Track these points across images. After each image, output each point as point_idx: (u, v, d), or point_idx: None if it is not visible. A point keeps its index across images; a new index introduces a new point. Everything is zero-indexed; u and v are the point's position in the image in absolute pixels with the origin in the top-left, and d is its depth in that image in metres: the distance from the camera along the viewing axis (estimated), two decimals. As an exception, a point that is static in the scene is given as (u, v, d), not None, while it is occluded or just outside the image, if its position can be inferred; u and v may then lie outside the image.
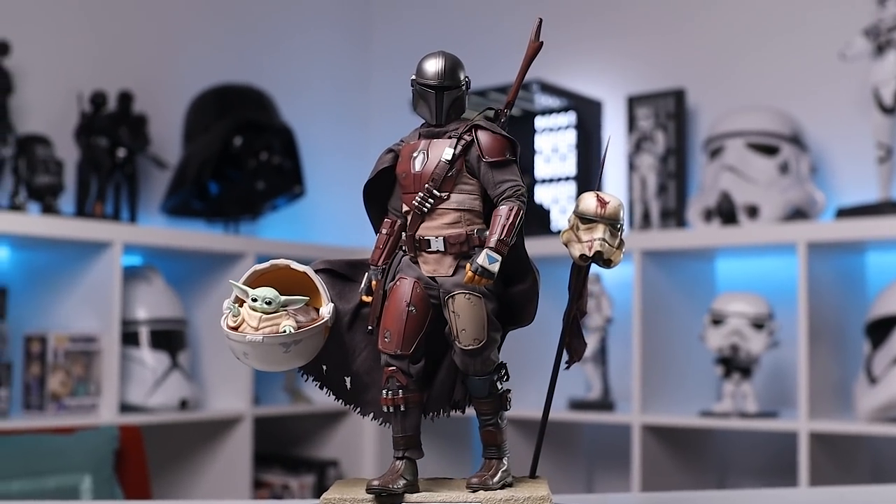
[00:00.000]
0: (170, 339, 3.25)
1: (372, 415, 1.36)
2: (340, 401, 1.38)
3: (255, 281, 1.32)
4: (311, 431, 3.89)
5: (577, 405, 3.40)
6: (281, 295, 1.28)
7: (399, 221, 1.32)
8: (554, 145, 3.64)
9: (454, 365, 1.29)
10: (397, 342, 1.28)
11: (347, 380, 1.37)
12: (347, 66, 4.32)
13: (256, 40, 4.04)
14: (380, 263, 1.33)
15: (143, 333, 3.21)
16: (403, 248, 1.32)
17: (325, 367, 1.37)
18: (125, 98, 3.41)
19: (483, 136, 1.27)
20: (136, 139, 3.40)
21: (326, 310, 1.32)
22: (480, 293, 1.25)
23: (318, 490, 3.64)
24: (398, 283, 1.30)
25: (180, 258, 3.44)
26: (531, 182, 3.61)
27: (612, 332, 3.44)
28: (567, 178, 3.62)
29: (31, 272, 3.17)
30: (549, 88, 3.53)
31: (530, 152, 3.63)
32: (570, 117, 3.61)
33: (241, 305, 1.29)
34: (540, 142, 3.65)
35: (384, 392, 1.29)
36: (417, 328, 1.28)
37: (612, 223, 1.27)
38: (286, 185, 3.70)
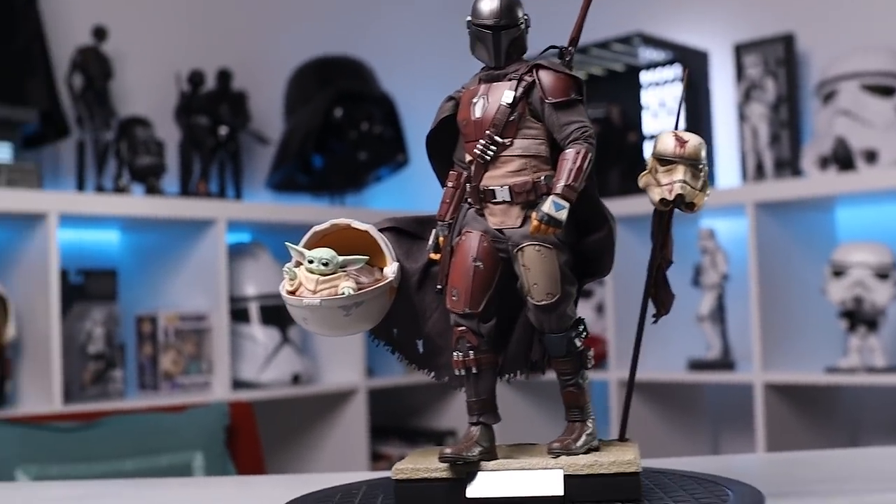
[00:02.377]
0: (279, 314, 3.23)
1: (447, 379, 1.30)
2: (413, 366, 1.33)
3: (316, 243, 1.26)
4: (427, 401, 3.86)
5: (697, 365, 3.29)
6: (340, 256, 1.23)
7: (464, 173, 1.25)
8: (661, 100, 3.53)
9: (529, 323, 1.23)
10: (465, 300, 1.21)
11: (419, 343, 1.31)
12: (447, 31, 4.24)
13: (354, 10, 4.00)
14: (447, 218, 1.27)
15: (253, 310, 3.21)
16: (469, 200, 1.25)
17: (395, 331, 1.31)
18: (224, 75, 3.41)
19: (545, 76, 1.19)
20: (237, 116, 3.39)
21: (390, 269, 1.26)
22: (551, 244, 1.18)
23: (436, 460, 3.61)
24: (464, 237, 1.23)
25: (287, 233, 3.42)
26: (639, 139, 3.51)
27: (729, 289, 3.32)
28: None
29: (140, 253, 3.19)
30: (651, 41, 3.42)
31: (637, 108, 3.52)
32: (675, 70, 3.49)
33: (299, 268, 1.24)
34: (646, 97, 3.54)
35: (455, 354, 1.22)
36: (486, 284, 1.21)
37: (693, 163, 1.18)
38: (389, 154, 3.67)
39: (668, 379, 3.36)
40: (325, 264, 1.22)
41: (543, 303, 1.18)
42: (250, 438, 2.82)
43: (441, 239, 1.28)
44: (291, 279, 1.24)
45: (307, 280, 1.22)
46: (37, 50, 3.03)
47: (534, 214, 1.15)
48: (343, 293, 1.21)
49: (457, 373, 1.23)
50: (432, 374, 1.32)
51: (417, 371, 1.34)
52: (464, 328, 1.22)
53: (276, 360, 3.19)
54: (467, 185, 1.25)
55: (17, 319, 2.70)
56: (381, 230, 1.30)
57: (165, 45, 3.46)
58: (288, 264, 1.26)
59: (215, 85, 3.40)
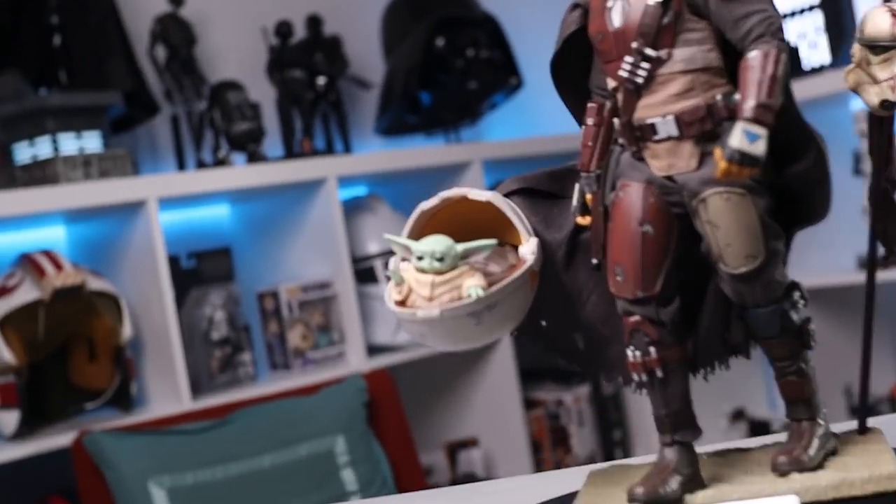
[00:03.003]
0: (408, 268, 3.01)
1: (622, 379, 1.04)
2: (575, 365, 1.08)
3: (423, 227, 1.02)
4: (577, 338, 3.60)
5: (871, 264, 2.96)
6: (457, 243, 0.97)
7: (608, 104, 0.98)
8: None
9: (723, 296, 0.96)
10: (635, 280, 0.95)
11: (577, 336, 1.06)
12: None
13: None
14: (592, 168, 1.01)
15: (378, 268, 2.98)
16: (620, 141, 0.98)
17: (544, 324, 1.06)
18: (314, 22, 3.16)
19: None
20: (334, 63, 3.14)
21: (528, 248, 1.01)
22: (745, 188, 0.90)
23: (596, 402, 3.37)
24: (622, 193, 0.97)
25: (403, 180, 3.19)
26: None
27: None
28: (811, 8, 3.14)
29: (251, 226, 2.99)
30: None
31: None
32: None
33: (406, 268, 1.00)
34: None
35: (630, 353, 0.96)
36: (660, 255, 0.95)
37: (921, 46, 0.88)
38: (501, 79, 3.38)
39: (838, 282, 3.05)
40: (440, 259, 0.97)
41: (743, 270, 0.91)
42: (393, 411, 2.61)
43: (589, 196, 1.01)
44: (398, 284, 0.99)
45: (419, 283, 0.98)
46: (112, 27, 2.82)
47: (717, 152, 0.87)
48: (469, 295, 0.95)
49: (635, 378, 0.97)
50: (601, 374, 1.06)
51: (582, 372, 1.09)
52: (638, 318, 0.95)
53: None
54: (614, 119, 0.97)
55: (131, 317, 2.52)
56: (507, 195, 1.04)
57: (246, 0, 3.22)
58: (391, 265, 1.01)
59: (305, 34, 3.15)
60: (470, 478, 3.04)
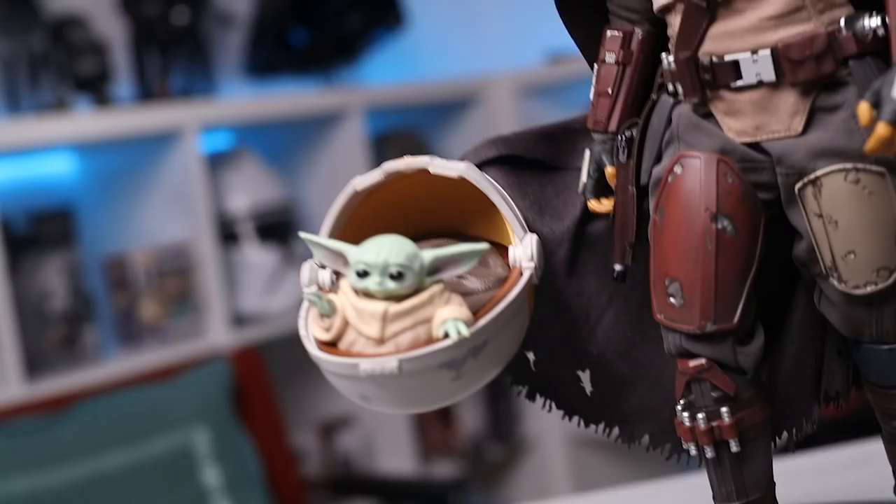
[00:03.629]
0: (279, 229, 2.68)
1: (650, 443, 0.80)
2: (578, 418, 0.83)
3: (356, 216, 0.75)
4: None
5: None
6: (417, 245, 0.69)
7: (638, 32, 0.73)
8: None
9: (818, 323, 0.71)
10: (704, 305, 0.68)
11: (584, 377, 0.80)
12: None
13: None
14: (613, 128, 0.74)
15: (245, 229, 2.64)
16: (672, 86, 0.70)
17: (532, 357, 0.80)
18: (170, -53, 2.77)
19: None
20: (194, -5, 2.77)
21: (524, 252, 0.73)
22: (885, 167, 0.63)
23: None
24: (680, 169, 0.69)
25: (274, 130, 2.85)
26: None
27: None
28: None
29: (98, 182, 2.61)
30: None
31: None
32: None
33: (335, 284, 0.73)
34: None
35: (685, 415, 0.70)
36: (743, 267, 0.68)
37: None
38: (381, 14, 3.05)
39: None
40: (398, 276, 0.67)
41: (868, 290, 0.64)
42: (263, 396, 2.30)
43: (609, 170, 0.75)
44: (324, 315, 0.69)
45: (362, 316, 0.68)
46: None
47: (864, 108, 0.58)
48: (446, 335, 0.66)
49: (691, 450, 0.71)
50: (617, 432, 0.81)
51: (588, 426, 0.82)
52: (702, 362, 0.69)
53: (281, 285, 2.64)
54: (654, 56, 0.71)
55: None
56: (482, 165, 0.75)
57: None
58: (306, 277, 0.74)
59: (161, -40, 2.76)
60: (346, 463, 2.75)
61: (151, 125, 2.43)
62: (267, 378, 2.34)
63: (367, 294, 0.69)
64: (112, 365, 2.34)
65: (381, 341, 0.68)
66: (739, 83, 0.67)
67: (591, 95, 0.78)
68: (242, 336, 2.50)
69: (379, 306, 0.68)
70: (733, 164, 0.68)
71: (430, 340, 0.67)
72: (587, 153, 0.77)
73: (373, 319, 0.68)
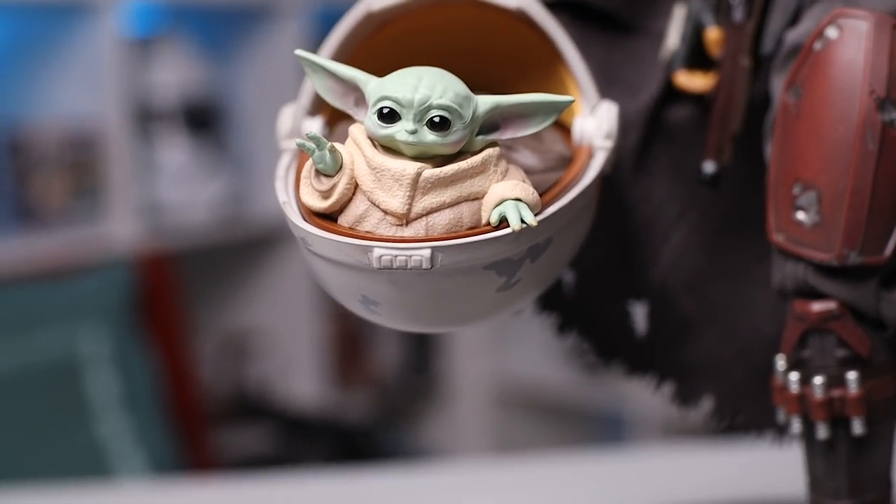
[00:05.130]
0: (200, 120, 2.40)
1: (714, 410, 0.63)
2: (623, 363, 0.65)
3: (365, 53, 0.55)
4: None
5: None
6: (467, 88, 0.48)
7: None
8: None
9: None
10: (849, 226, 0.49)
11: (637, 311, 0.62)
12: None
13: None
14: None
15: (163, 120, 2.36)
16: None
17: (572, 278, 0.62)
18: None
19: None
20: None
21: (599, 124, 0.54)
22: None
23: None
24: (839, 29, 0.49)
25: (207, 12, 2.56)
26: None
27: None
28: None
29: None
30: None
31: None
32: None
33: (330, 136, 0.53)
34: None
35: (793, 377, 0.53)
36: None
37: None
38: None
39: None
40: (441, 123, 0.46)
41: None
42: (168, 305, 2.04)
43: (713, 32, 0.56)
44: (324, 174, 0.47)
45: (382, 179, 0.46)
46: None
47: None
48: (506, 220, 0.45)
49: (795, 426, 0.54)
50: (671, 389, 0.63)
51: (634, 376, 0.63)
52: (833, 307, 0.51)
53: (197, 182, 2.37)
54: None
55: None
56: (547, 3, 0.55)
57: None
58: (289, 117, 0.56)
59: None
60: (251, 385, 2.51)
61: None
62: (174, 286, 2.08)
63: (392, 148, 0.46)
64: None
65: (405, 219, 0.46)
66: None
67: None
68: (154, 236, 2.23)
69: (409, 167, 0.45)
70: None
71: (477, 227, 0.45)
72: (678, 10, 0.56)
73: (398, 185, 0.46)
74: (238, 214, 2.40)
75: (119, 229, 2.17)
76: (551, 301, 0.64)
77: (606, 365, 0.64)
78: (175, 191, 2.35)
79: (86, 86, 2.23)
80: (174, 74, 2.38)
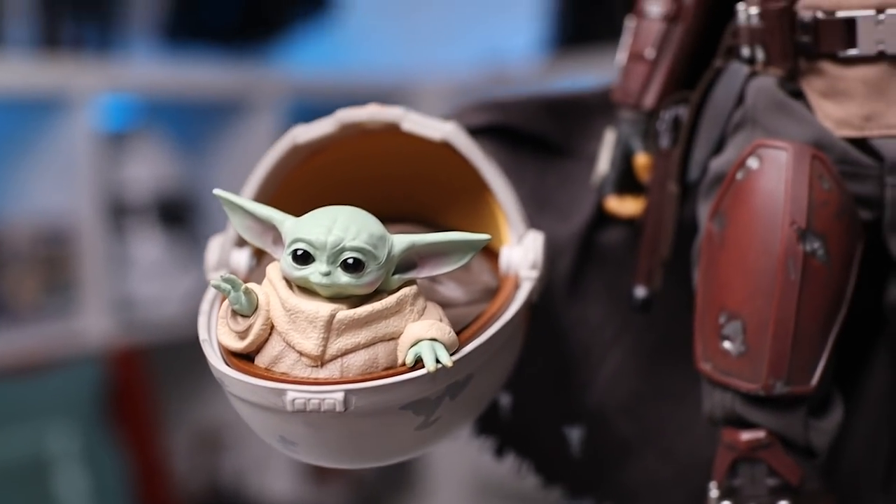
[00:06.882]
0: (174, 215, 2.41)
1: None
2: (559, 487, 0.64)
3: (294, 183, 0.57)
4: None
5: None
6: (382, 228, 0.49)
7: None
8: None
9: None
10: (774, 357, 0.49)
11: (572, 435, 0.63)
12: None
13: None
14: (650, 104, 0.58)
15: (137, 215, 2.36)
16: (751, 49, 0.52)
17: (508, 402, 0.63)
18: None
19: None
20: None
21: (525, 255, 0.54)
22: None
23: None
24: (755, 162, 0.50)
25: (181, 107, 2.57)
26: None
27: None
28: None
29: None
30: None
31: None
32: None
33: (254, 271, 0.56)
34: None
35: None
36: (832, 311, 0.49)
37: None
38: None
39: None
40: (355, 265, 0.46)
41: None
42: (140, 402, 2.02)
43: (640, 159, 0.58)
44: (240, 314, 0.49)
45: (296, 321, 0.46)
46: None
47: None
48: (421, 361, 0.45)
49: None
50: None
51: (573, 500, 0.63)
52: (761, 436, 0.50)
53: (171, 278, 2.37)
54: (743, 7, 0.52)
55: None
56: (474, 131, 0.57)
57: None
58: (213, 259, 0.61)
59: None
60: (224, 481, 2.48)
61: (36, 83, 2.14)
62: (146, 381, 2.06)
63: (307, 289, 0.46)
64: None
65: (320, 361, 0.46)
66: (851, 52, 0.47)
67: (620, 59, 0.56)
68: (126, 331, 2.22)
69: (323, 309, 0.46)
70: (831, 165, 0.48)
71: (393, 367, 0.45)
72: (608, 135, 0.56)
73: (311, 327, 0.46)
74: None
75: (91, 324, 2.16)
76: (488, 424, 0.64)
77: (545, 487, 0.64)
78: (148, 285, 2.34)
79: (59, 180, 2.23)
80: (148, 169, 2.39)
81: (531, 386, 0.62)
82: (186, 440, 2.50)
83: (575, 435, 0.63)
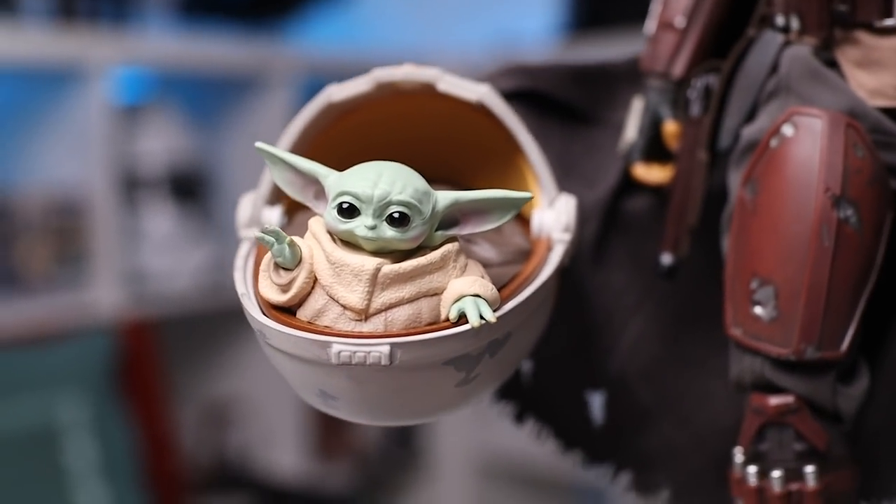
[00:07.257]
0: (186, 188, 2.41)
1: (670, 499, 0.61)
2: (575, 453, 0.65)
3: (325, 142, 0.56)
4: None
5: None
6: (426, 184, 0.48)
7: None
8: None
9: None
10: (805, 322, 0.49)
11: (593, 401, 0.62)
12: None
13: None
14: (679, 72, 0.57)
15: (149, 188, 2.36)
16: (786, 17, 0.50)
17: (529, 368, 0.62)
18: None
19: None
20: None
21: (557, 218, 0.54)
22: None
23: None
24: (789, 130, 0.49)
25: (196, 81, 2.57)
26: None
27: None
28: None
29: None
30: None
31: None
32: None
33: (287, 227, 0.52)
34: None
35: (751, 470, 0.52)
36: (863, 277, 0.49)
37: None
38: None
39: None
40: (401, 219, 0.46)
41: None
42: (150, 374, 2.02)
43: (670, 126, 0.57)
44: (283, 267, 0.48)
45: (341, 274, 0.46)
46: None
47: None
48: (464, 317, 0.45)
49: None
50: (627, 478, 0.62)
51: (591, 466, 0.63)
52: (790, 401, 0.51)
53: (183, 252, 2.37)
54: None
55: None
56: (507, 95, 0.56)
57: None
58: (248, 210, 0.56)
59: None
60: (231, 455, 2.49)
61: (50, 54, 2.14)
62: (156, 354, 2.07)
63: (351, 243, 0.46)
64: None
65: (364, 315, 0.46)
66: (888, 22, 0.47)
67: (649, 28, 0.56)
68: (137, 304, 2.22)
69: (368, 263, 0.45)
70: (865, 134, 0.48)
71: (436, 322, 0.45)
72: (636, 103, 0.56)
73: (357, 281, 0.45)
74: (222, 283, 2.39)
75: (102, 296, 2.16)
76: (508, 390, 0.64)
77: (564, 453, 0.64)
78: (159, 258, 2.34)
79: (72, 152, 2.23)
80: (161, 142, 2.39)
81: (553, 351, 0.62)
82: (194, 414, 2.51)
83: (596, 400, 0.63)
